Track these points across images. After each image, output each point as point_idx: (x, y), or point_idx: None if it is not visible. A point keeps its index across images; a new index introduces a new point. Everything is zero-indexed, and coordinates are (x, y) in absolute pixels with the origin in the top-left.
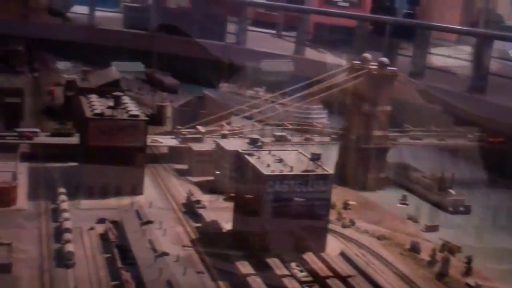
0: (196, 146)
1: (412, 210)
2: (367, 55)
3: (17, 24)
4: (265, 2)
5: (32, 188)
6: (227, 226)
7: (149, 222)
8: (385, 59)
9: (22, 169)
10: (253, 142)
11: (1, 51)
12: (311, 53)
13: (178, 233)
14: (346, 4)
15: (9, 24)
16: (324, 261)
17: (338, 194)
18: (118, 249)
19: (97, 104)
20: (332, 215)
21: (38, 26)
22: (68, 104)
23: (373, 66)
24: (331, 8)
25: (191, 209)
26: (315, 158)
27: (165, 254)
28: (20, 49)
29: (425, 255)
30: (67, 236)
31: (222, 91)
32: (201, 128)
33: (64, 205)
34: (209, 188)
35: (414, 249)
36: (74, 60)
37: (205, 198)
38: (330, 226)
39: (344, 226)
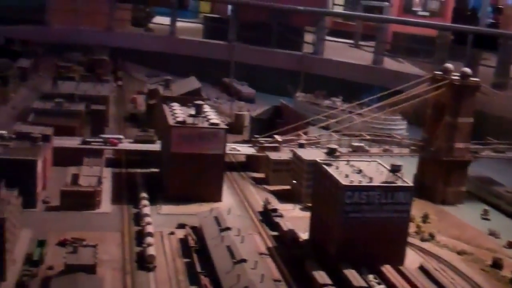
0: (273, 155)
1: (494, 226)
2: (449, 65)
3: (103, 34)
4: (343, 12)
5: (116, 192)
6: (304, 235)
7: (228, 228)
8: (467, 70)
9: (107, 174)
10: (331, 152)
11: (88, 61)
12: (389, 63)
13: (256, 240)
14: (426, 14)
15: (95, 35)
16: (402, 274)
17: (417, 207)
18: (197, 254)
19: (179, 112)
20: (411, 228)
21: (122, 37)
22: (151, 112)
23: (455, 76)
24: (410, 18)
25: (268, 217)
26: (396, 169)
27: (243, 261)
28: (106, 58)
29: (507, 272)
30: (149, 240)
31: (298, 101)
32: (278, 137)
33: (146, 210)
34: (286, 197)
35: (496, 265)
36: (156, 69)
37: (282, 207)
38: (409, 239)
39: (423, 240)
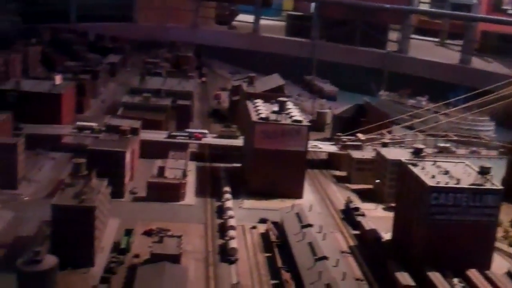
0: (356, 154)
1: None
2: None
3: (188, 32)
4: (430, 9)
5: (199, 185)
6: (387, 235)
7: (309, 225)
8: None
9: (191, 167)
10: (417, 152)
11: (174, 57)
12: (477, 63)
13: (337, 238)
14: None
15: (181, 32)
16: (488, 279)
17: (505, 211)
18: (278, 249)
19: (262, 109)
20: (499, 233)
21: (207, 34)
22: (234, 108)
23: None
24: (500, 16)
25: (349, 216)
26: (484, 172)
27: (324, 258)
28: (191, 55)
29: None
30: (231, 233)
31: (382, 100)
32: (361, 136)
33: (229, 204)
34: (368, 196)
35: None
36: (239, 66)
37: (364, 206)
38: (497, 244)
39: (511, 245)
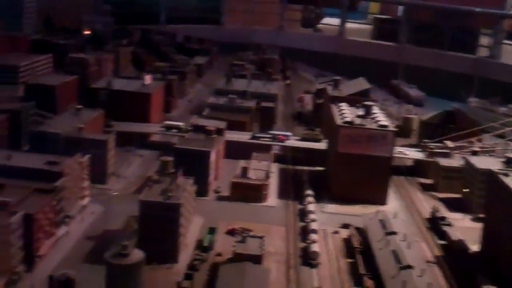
0: (443, 161)
1: None
2: None
3: (274, 34)
4: None
5: (282, 187)
6: (474, 247)
7: (393, 233)
8: None
9: (274, 169)
10: (509, 162)
11: (259, 59)
12: None
13: (422, 247)
14: None
15: (266, 35)
16: None
17: None
18: (361, 255)
19: (347, 113)
20: None
21: (292, 37)
22: (317, 111)
23: None
24: None
25: (435, 225)
26: None
27: (409, 267)
28: (276, 57)
29: None
30: (313, 236)
31: (471, 106)
32: (449, 143)
33: (311, 207)
34: (455, 205)
35: None
36: (323, 69)
37: (451, 216)
38: None
39: None
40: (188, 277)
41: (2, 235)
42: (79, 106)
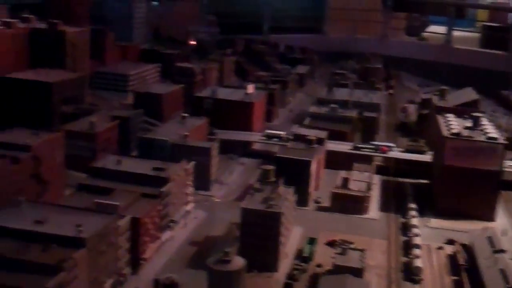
0: None
1: None
2: None
3: (377, 43)
4: None
5: (384, 200)
6: None
7: (502, 251)
8: None
9: (375, 181)
10: None
11: (362, 69)
12: None
13: None
14: None
15: (370, 44)
16: None
17: None
18: (467, 273)
19: (454, 124)
20: None
21: (396, 45)
22: (422, 122)
23: None
24: None
25: None
26: None
27: None
28: (379, 67)
29: None
30: (416, 251)
31: None
32: None
33: (414, 221)
34: None
35: None
36: (428, 79)
37: None
38: None
39: None
40: (287, 286)
41: (111, 238)
42: (185, 114)
